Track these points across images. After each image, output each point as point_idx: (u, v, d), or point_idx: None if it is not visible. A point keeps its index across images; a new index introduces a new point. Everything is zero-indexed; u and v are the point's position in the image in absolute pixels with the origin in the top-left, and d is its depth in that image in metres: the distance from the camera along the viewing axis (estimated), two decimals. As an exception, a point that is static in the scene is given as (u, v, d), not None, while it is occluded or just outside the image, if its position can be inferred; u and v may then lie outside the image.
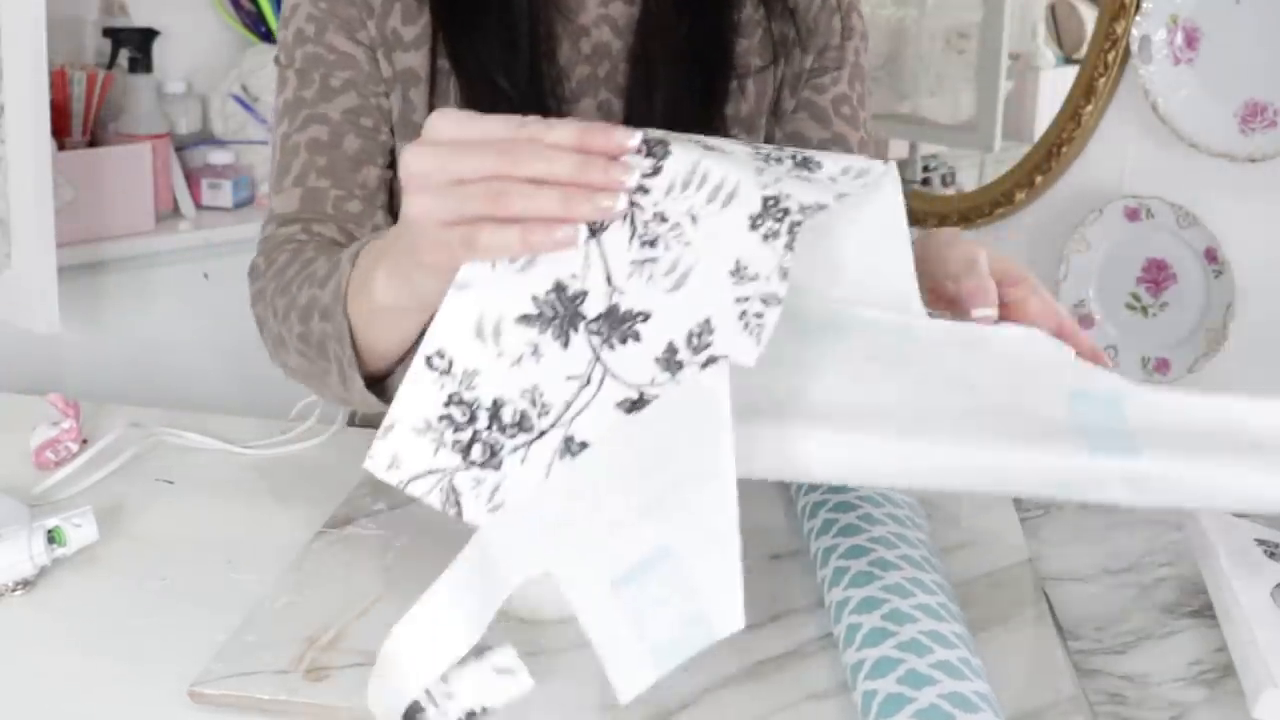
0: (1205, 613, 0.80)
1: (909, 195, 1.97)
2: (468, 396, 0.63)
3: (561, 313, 0.63)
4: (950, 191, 2.11)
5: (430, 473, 0.63)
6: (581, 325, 0.62)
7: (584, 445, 0.61)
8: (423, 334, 0.65)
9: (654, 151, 0.63)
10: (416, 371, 0.63)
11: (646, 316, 0.62)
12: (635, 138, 0.62)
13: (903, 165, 2.09)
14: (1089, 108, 1.73)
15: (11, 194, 1.56)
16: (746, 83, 1.00)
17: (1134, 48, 1.64)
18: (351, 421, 1.13)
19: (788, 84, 1.02)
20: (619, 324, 0.62)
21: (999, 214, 1.87)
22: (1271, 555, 0.81)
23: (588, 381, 0.62)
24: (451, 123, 0.63)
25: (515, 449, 0.62)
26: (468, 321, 0.63)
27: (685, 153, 0.63)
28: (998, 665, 0.69)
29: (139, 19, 2.04)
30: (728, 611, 0.57)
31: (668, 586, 0.58)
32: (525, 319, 0.63)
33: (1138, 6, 1.64)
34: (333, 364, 0.82)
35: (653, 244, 0.62)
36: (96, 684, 0.71)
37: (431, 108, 0.95)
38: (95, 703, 0.70)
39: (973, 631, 0.71)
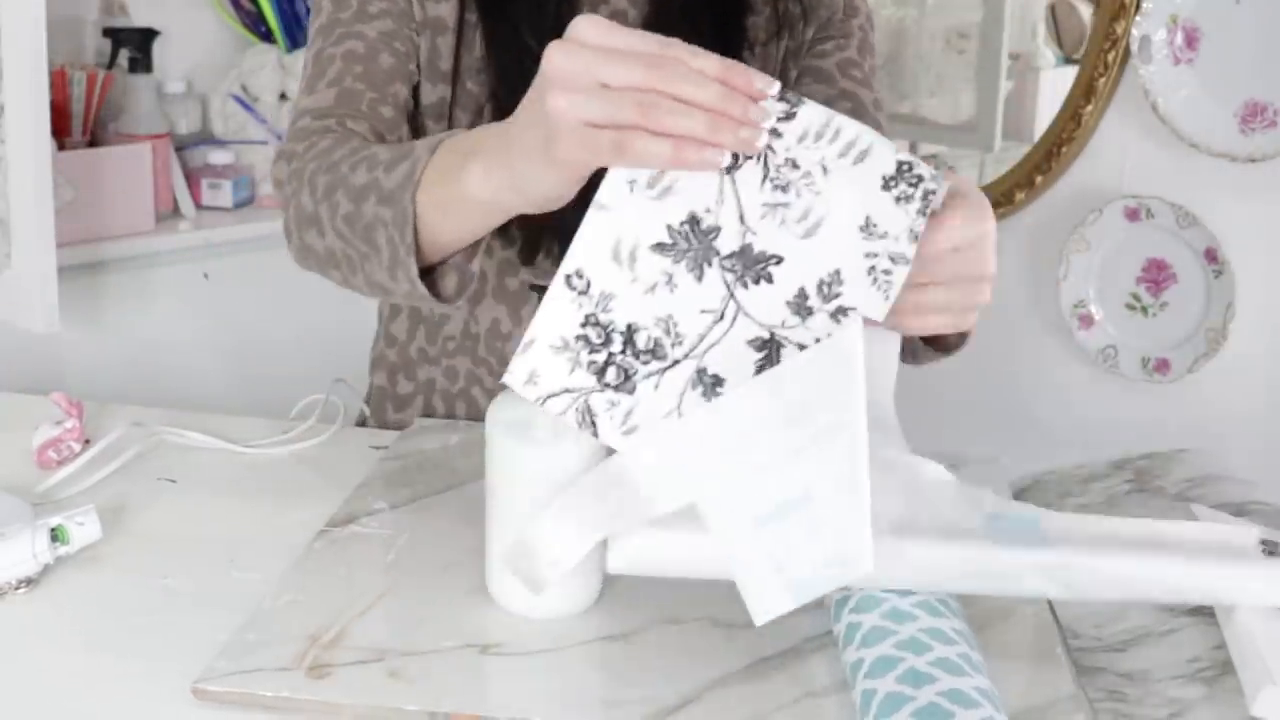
0: (1204, 611, 0.80)
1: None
2: (603, 319, 0.65)
3: (696, 246, 0.65)
4: (950, 191, 2.11)
5: (566, 391, 0.65)
6: (715, 260, 0.65)
7: (715, 379, 0.65)
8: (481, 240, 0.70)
9: (788, 99, 0.64)
10: (556, 289, 0.65)
11: (779, 260, 0.65)
12: (774, 86, 0.63)
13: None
14: (1089, 108, 1.74)
15: (11, 194, 1.56)
16: (754, 54, 1.03)
17: (1134, 48, 1.64)
18: (361, 422, 1.13)
19: (791, 55, 1.05)
20: (752, 264, 0.65)
21: (999, 214, 1.86)
22: (1270, 554, 0.82)
23: (721, 317, 0.65)
24: (599, 29, 0.63)
25: (649, 375, 0.65)
26: (606, 243, 0.65)
27: (818, 107, 0.65)
28: (998, 663, 0.69)
29: (139, 19, 2.04)
30: (860, 554, 0.64)
31: (807, 528, 0.63)
32: (660, 247, 0.65)
33: (1138, 6, 1.65)
34: (381, 250, 0.79)
35: (784, 189, 0.65)
36: (100, 682, 0.71)
37: (458, 57, 0.98)
38: (98, 700, 0.70)
39: (974, 629, 0.71)
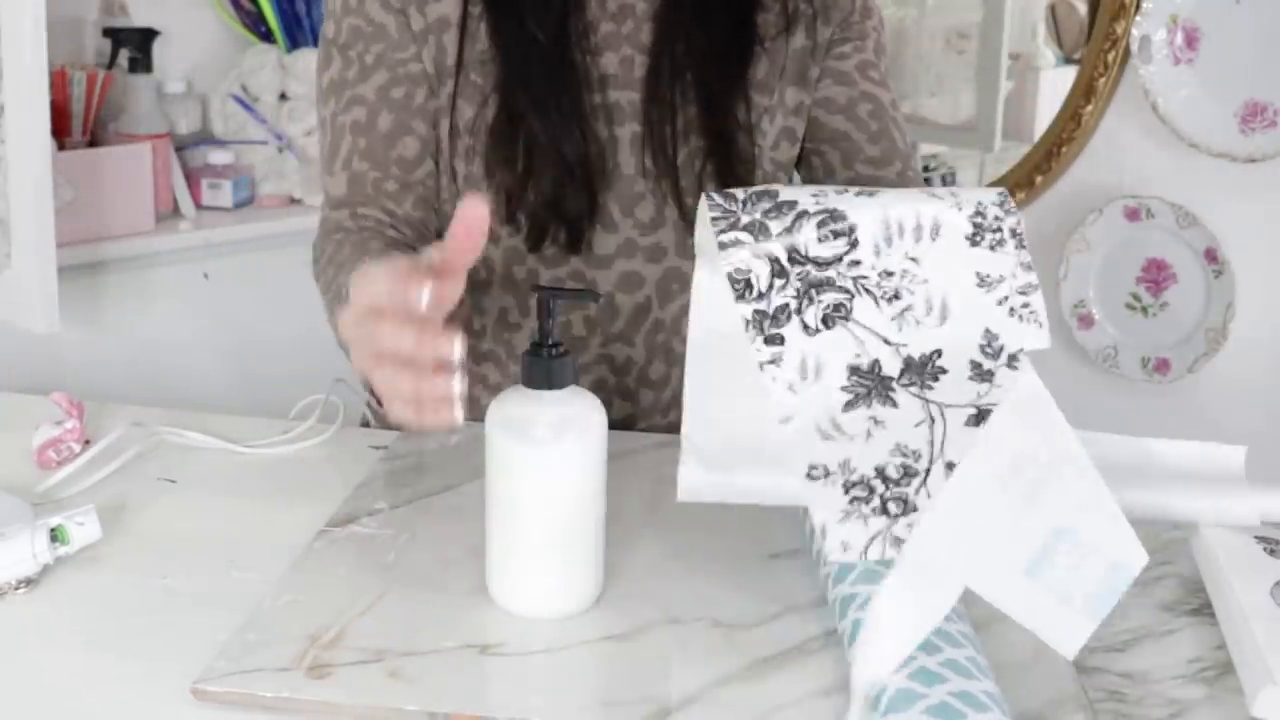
0: (1205, 611, 0.80)
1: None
2: (855, 478, 0.70)
3: (873, 385, 0.71)
4: (950, 191, 2.11)
5: (875, 537, 0.69)
6: (894, 384, 0.71)
7: None
8: None
9: (838, 230, 0.71)
10: (810, 490, 0.70)
11: (939, 353, 0.71)
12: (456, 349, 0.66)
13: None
14: (1089, 108, 1.74)
15: (11, 194, 1.56)
16: (762, 48, 1.04)
17: (1134, 48, 1.64)
18: (365, 423, 1.13)
19: (809, 54, 1.06)
20: (921, 369, 0.71)
21: (999, 214, 1.88)
22: (1271, 553, 0.82)
23: (931, 420, 0.71)
24: (358, 284, 0.71)
25: (917, 490, 0.69)
26: (811, 436, 0.70)
27: (865, 212, 0.71)
28: (998, 663, 0.69)
29: (139, 19, 2.04)
30: (1132, 551, 0.68)
31: (1075, 555, 0.67)
32: (849, 405, 0.71)
33: (1138, 6, 1.65)
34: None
35: (897, 297, 0.71)
36: (99, 682, 0.71)
37: (462, 50, 1.01)
38: (98, 700, 0.70)
39: (975, 629, 0.71)
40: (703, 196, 0.74)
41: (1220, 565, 0.79)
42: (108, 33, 2.00)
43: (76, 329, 1.79)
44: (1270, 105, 1.57)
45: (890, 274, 0.71)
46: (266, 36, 2.16)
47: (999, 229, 0.72)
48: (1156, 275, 1.72)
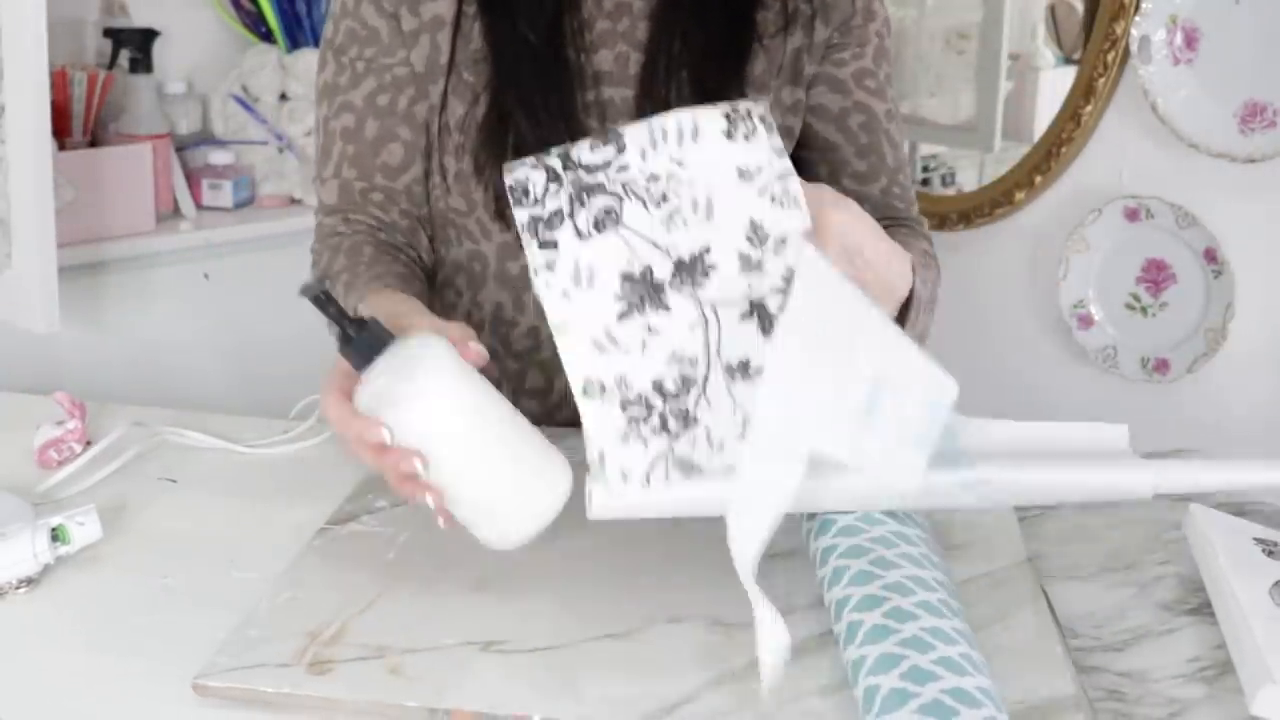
0: (1204, 610, 0.81)
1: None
2: (631, 395, 0.71)
3: (645, 291, 0.72)
4: (950, 191, 2.11)
5: (656, 460, 0.71)
6: (666, 286, 0.72)
7: (743, 364, 0.71)
8: None
9: (609, 139, 0.73)
10: (583, 407, 0.71)
11: (707, 249, 0.72)
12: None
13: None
14: (1089, 108, 1.74)
15: (12, 194, 1.56)
16: (761, 46, 1.04)
17: (1133, 48, 1.64)
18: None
19: (806, 52, 1.05)
20: (691, 269, 0.72)
21: (999, 214, 1.88)
22: (1270, 554, 0.82)
23: (706, 320, 0.72)
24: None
25: (696, 400, 0.71)
26: (585, 347, 0.72)
27: (631, 126, 0.73)
28: (998, 663, 0.69)
29: (139, 19, 2.04)
30: (943, 384, 0.70)
31: (896, 399, 0.70)
32: (623, 315, 0.72)
33: (1137, 6, 1.65)
34: None
35: (664, 199, 0.72)
36: (100, 681, 0.71)
37: (454, 49, 1.02)
38: (99, 699, 0.70)
39: (973, 629, 0.71)
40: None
41: (1220, 565, 0.80)
42: (108, 33, 2.00)
43: (77, 329, 1.79)
44: (1270, 105, 1.57)
45: (656, 178, 0.72)
46: (267, 37, 2.16)
47: (749, 118, 0.73)
48: (1156, 275, 1.73)
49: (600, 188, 0.73)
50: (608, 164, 0.73)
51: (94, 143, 1.94)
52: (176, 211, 2.03)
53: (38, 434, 0.98)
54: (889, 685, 0.64)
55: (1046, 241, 1.82)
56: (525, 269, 1.05)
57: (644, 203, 0.72)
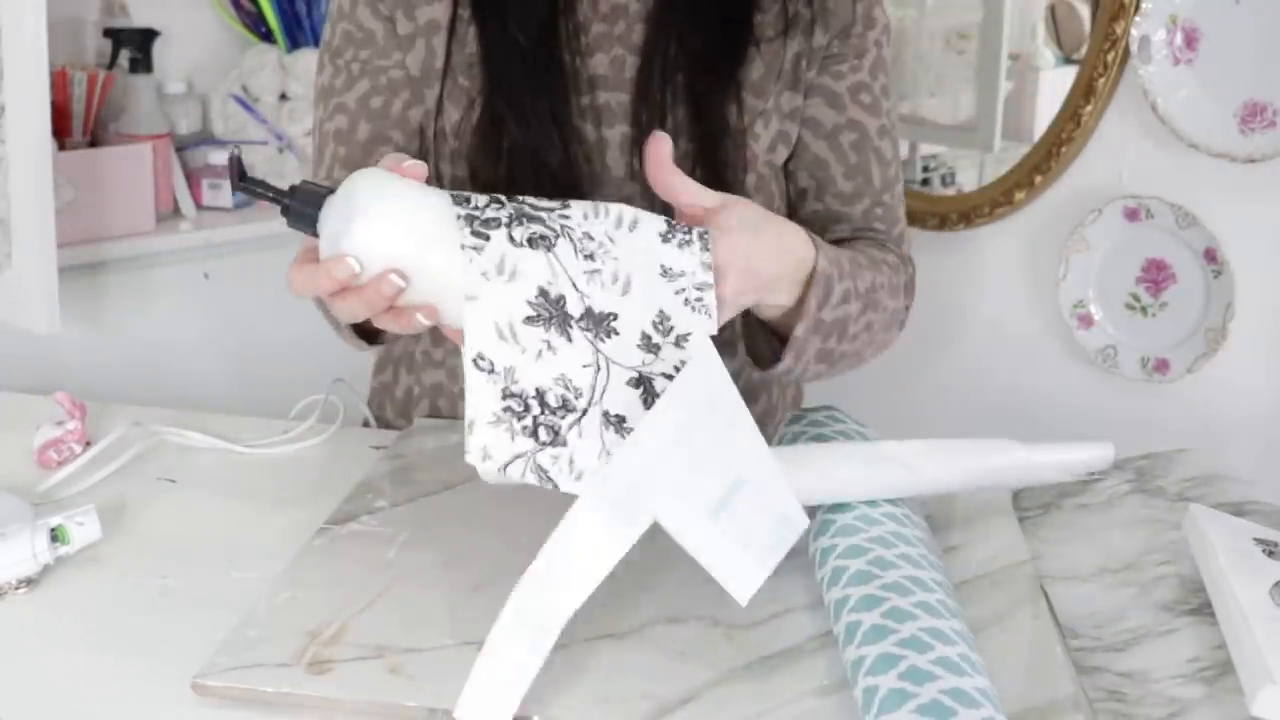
0: (1204, 610, 0.81)
1: (910, 196, 1.97)
2: (515, 389, 0.73)
3: (554, 313, 0.74)
4: (950, 191, 2.11)
5: (517, 457, 0.72)
6: (573, 323, 0.75)
7: (619, 418, 0.75)
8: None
9: (555, 200, 0.77)
10: (470, 375, 0.72)
11: (615, 316, 0.76)
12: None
13: (903, 165, 2.09)
14: (1089, 108, 1.73)
15: (12, 194, 1.56)
16: (758, 50, 1.03)
17: (1133, 48, 1.64)
18: (365, 423, 1.13)
19: (805, 57, 1.04)
20: (599, 322, 0.75)
21: (999, 214, 1.87)
22: (1270, 554, 0.82)
23: (598, 367, 0.75)
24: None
25: (570, 426, 0.74)
26: (489, 327, 0.73)
27: (580, 201, 0.78)
28: (997, 664, 0.69)
29: (139, 19, 2.04)
30: (796, 513, 0.76)
31: (752, 504, 0.74)
32: (529, 320, 0.73)
33: (1137, 6, 1.64)
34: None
35: (591, 257, 0.76)
36: (100, 680, 0.71)
37: (449, 53, 1.02)
38: (99, 699, 0.70)
39: (973, 630, 0.71)
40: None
41: (1220, 566, 0.80)
42: (108, 33, 2.00)
43: (77, 329, 1.79)
44: (1270, 105, 1.57)
45: (591, 237, 0.76)
46: (267, 37, 2.16)
47: (689, 233, 0.79)
48: (1156, 275, 1.72)
49: (540, 220, 0.75)
50: (551, 210, 0.76)
51: (94, 143, 1.94)
52: (176, 211, 2.03)
53: (37, 434, 0.98)
54: (887, 686, 0.64)
55: (1046, 241, 1.82)
56: None
57: (575, 248, 0.75)
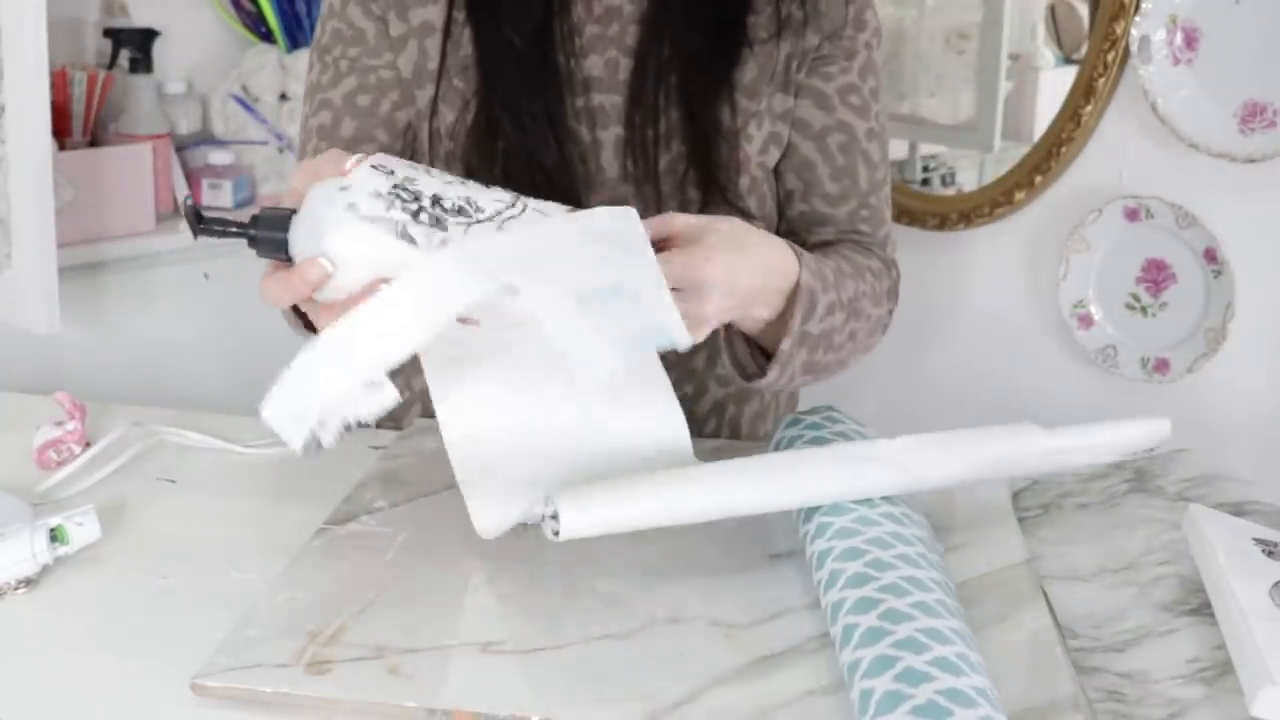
0: (1204, 611, 0.80)
1: (910, 195, 1.97)
2: (410, 189, 0.73)
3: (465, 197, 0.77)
4: (950, 191, 2.11)
5: (386, 217, 0.72)
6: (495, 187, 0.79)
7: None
8: None
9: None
10: (365, 170, 0.73)
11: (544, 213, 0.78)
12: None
13: (903, 165, 2.09)
14: (1089, 108, 1.73)
15: (12, 194, 1.56)
16: (751, 52, 1.03)
17: (1133, 48, 1.64)
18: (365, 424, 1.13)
19: (796, 58, 1.04)
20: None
21: (999, 214, 1.87)
22: (1270, 554, 0.82)
23: (512, 206, 0.76)
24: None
25: (458, 224, 0.73)
26: (403, 163, 0.76)
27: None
28: (997, 664, 0.69)
29: (139, 19, 2.04)
30: (677, 327, 0.75)
31: (626, 310, 0.74)
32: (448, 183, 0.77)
33: (1137, 6, 1.64)
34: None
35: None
36: (99, 680, 0.71)
37: (444, 55, 1.02)
38: (98, 698, 0.70)
39: (973, 630, 0.71)
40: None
41: (1220, 565, 0.79)
42: (108, 33, 2.00)
43: (77, 329, 1.79)
44: (1270, 105, 1.57)
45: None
46: (267, 37, 2.16)
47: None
48: (1156, 275, 1.72)
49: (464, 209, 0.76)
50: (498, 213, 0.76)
51: (94, 143, 1.94)
52: (176, 211, 2.03)
53: (37, 434, 0.98)
54: (883, 688, 0.64)
55: (1046, 241, 1.82)
56: None
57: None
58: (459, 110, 1.02)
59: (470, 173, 1.01)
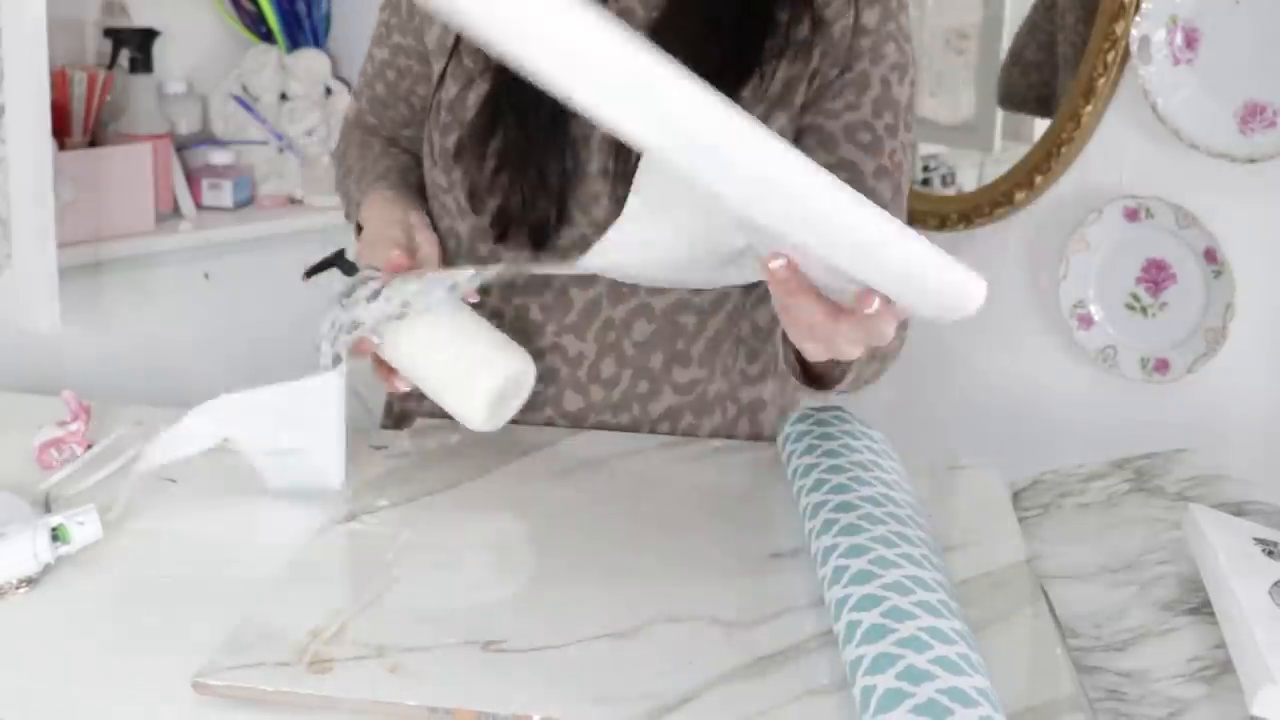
0: (1204, 610, 0.81)
1: (910, 196, 1.97)
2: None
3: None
4: (950, 191, 2.11)
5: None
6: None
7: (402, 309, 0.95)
8: None
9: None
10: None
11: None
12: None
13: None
14: (1089, 108, 1.74)
15: (12, 194, 1.56)
16: (760, 72, 1.01)
17: (1133, 48, 1.64)
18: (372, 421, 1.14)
19: (800, 81, 1.02)
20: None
21: (999, 214, 1.87)
22: (1270, 554, 0.82)
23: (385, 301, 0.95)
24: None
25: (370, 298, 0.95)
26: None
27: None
28: (997, 663, 0.69)
29: (139, 19, 2.04)
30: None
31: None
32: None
33: (1137, 7, 1.64)
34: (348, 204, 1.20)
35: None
36: (101, 680, 0.71)
37: (455, 49, 1.08)
38: (99, 698, 0.70)
39: (973, 630, 0.71)
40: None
41: (1220, 565, 0.80)
42: (108, 33, 2.00)
43: (77, 329, 1.79)
44: (1270, 105, 1.57)
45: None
46: (267, 36, 2.16)
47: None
48: (1156, 275, 1.73)
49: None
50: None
51: (94, 143, 1.94)
52: (176, 211, 2.04)
53: (38, 434, 0.98)
54: (885, 685, 0.64)
55: (1046, 241, 1.82)
56: (493, 251, 1.06)
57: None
58: (461, 86, 1.05)
59: (459, 152, 1.05)
